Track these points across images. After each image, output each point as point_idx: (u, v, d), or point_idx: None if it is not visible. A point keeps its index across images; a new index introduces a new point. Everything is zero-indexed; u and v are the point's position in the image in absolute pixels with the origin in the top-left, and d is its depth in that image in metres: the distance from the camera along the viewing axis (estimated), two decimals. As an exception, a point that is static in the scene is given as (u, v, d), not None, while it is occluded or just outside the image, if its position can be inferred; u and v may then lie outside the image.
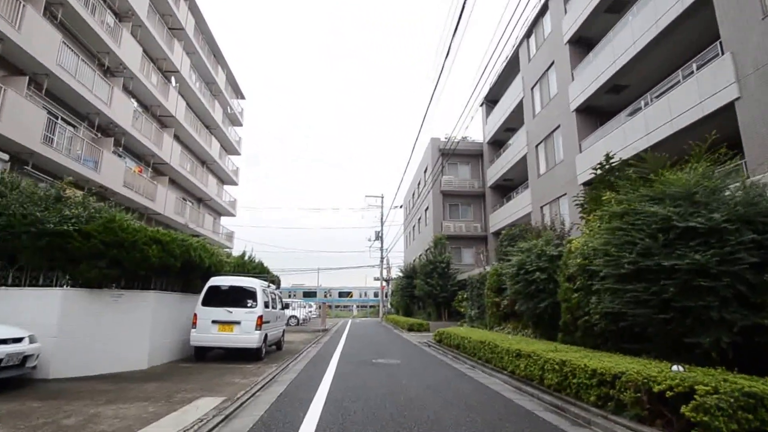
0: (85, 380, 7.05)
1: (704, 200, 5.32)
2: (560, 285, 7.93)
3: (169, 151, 23.05)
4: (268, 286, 10.99)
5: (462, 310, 18.37)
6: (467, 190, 29.34)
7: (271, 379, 7.33)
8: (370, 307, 62.93)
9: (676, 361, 4.73)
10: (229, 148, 34.54)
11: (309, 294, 61.50)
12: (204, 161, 30.07)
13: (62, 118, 16.02)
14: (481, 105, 28.44)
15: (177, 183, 25.68)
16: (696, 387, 3.72)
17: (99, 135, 17.97)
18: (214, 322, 9.41)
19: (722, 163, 6.17)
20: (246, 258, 15.15)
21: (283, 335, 12.88)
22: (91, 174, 16.27)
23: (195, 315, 9.44)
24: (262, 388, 6.61)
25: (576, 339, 7.33)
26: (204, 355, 9.80)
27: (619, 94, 14.72)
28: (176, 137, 24.76)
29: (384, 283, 42.92)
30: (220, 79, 31.04)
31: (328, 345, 14.33)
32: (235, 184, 35.87)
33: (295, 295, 55.46)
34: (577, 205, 9.43)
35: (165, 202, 22.23)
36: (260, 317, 9.60)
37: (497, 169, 25.66)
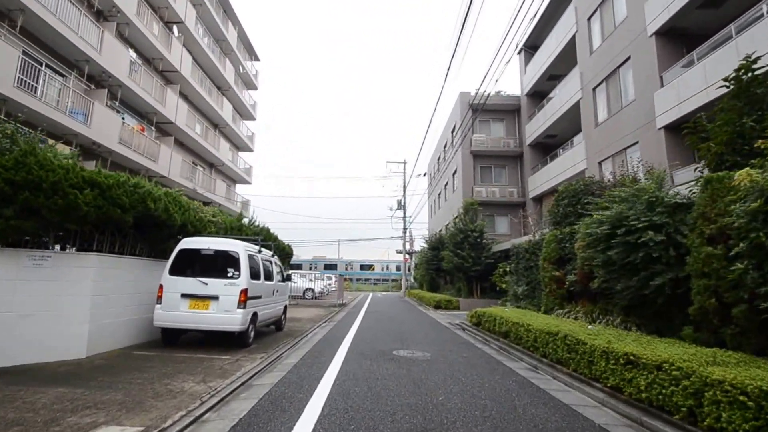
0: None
1: None
2: (693, 250, 4.99)
3: (174, 109, 20.95)
4: (259, 251, 8.54)
5: (504, 286, 15.55)
6: (501, 150, 25.82)
7: (241, 385, 4.93)
8: (393, 280, 61.10)
9: None
10: (243, 112, 32.30)
11: (330, 266, 60.20)
12: (216, 124, 28.01)
13: (47, 65, 14.13)
14: (519, 52, 24.58)
15: (185, 145, 23.69)
16: None
17: (91, 86, 16.03)
18: (184, 296, 7.11)
19: None
20: (246, 221, 12.77)
21: (284, 312, 10.61)
22: (81, 128, 14.55)
23: (160, 287, 7.16)
24: (218, 403, 4.21)
25: (723, 338, 4.56)
26: (175, 338, 7.54)
27: (717, 9, 11.21)
28: (182, 95, 22.63)
29: (407, 256, 40.47)
30: (231, 36, 28.43)
31: (340, 325, 12.01)
32: (250, 150, 33.87)
33: (316, 268, 54.23)
34: (688, 133, 6.44)
35: (170, 163, 20.25)
36: (244, 291, 7.22)
37: (538, 124, 22.16)
